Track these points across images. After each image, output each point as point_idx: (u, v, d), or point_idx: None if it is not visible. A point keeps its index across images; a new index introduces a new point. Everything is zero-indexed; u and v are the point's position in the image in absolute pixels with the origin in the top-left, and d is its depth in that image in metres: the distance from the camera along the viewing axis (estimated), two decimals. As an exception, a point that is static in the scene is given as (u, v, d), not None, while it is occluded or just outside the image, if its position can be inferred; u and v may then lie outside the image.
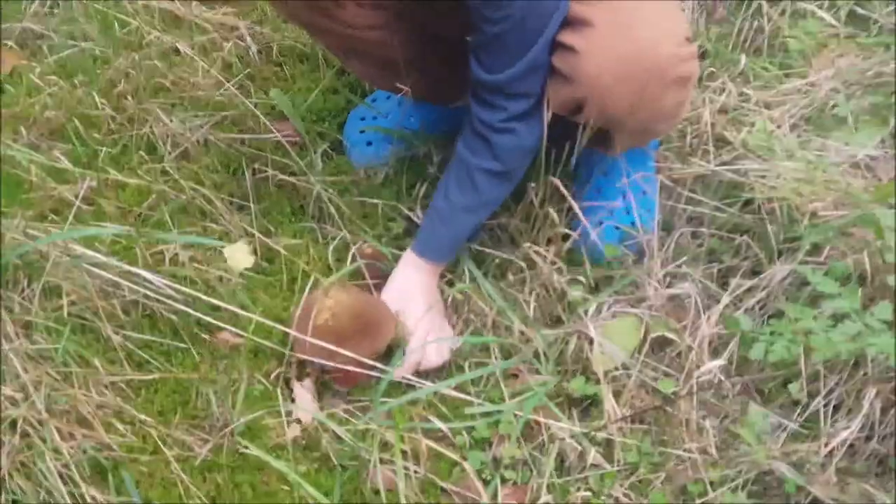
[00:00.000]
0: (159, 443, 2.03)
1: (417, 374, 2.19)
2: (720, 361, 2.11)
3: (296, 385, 2.19)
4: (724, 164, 2.43)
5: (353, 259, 2.35)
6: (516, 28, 1.99)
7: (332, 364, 2.12)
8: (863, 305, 1.92)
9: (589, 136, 2.13)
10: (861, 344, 1.75)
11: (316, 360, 2.14)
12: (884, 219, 1.94)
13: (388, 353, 2.17)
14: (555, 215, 2.27)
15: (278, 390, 2.17)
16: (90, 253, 2.18)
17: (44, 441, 1.89)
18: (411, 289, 2.26)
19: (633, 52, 1.96)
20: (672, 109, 2.08)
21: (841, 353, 1.79)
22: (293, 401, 2.17)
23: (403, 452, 2.01)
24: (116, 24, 2.84)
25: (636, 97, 1.99)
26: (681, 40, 2.01)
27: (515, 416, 2.09)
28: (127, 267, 2.18)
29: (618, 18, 1.97)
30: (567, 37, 2.00)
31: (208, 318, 2.20)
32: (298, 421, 2.13)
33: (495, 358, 2.25)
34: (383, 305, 2.23)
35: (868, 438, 1.99)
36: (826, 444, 1.98)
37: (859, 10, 2.85)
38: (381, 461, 2.01)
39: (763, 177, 2.28)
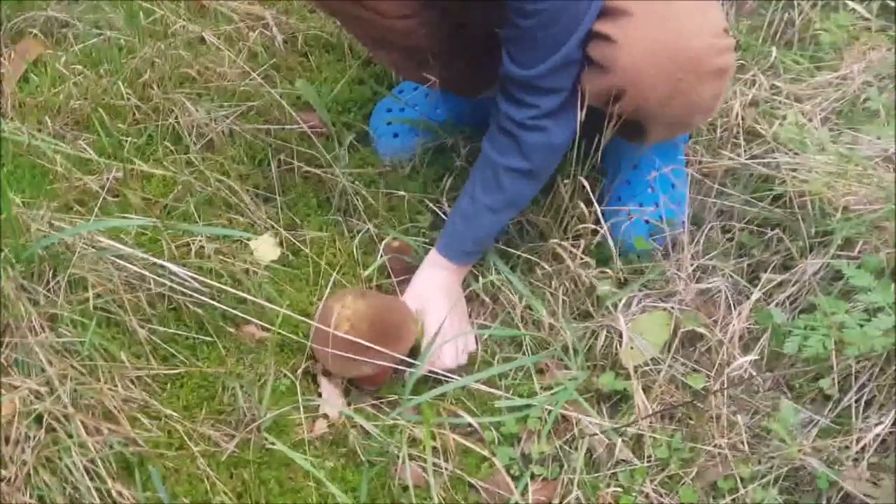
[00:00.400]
0: (185, 438, 2.02)
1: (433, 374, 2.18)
2: (752, 357, 2.10)
3: (322, 380, 2.18)
4: (754, 157, 2.41)
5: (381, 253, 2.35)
6: (550, 23, 1.96)
7: (357, 374, 2.12)
8: (896, 300, 1.90)
9: (618, 128, 2.11)
10: (896, 338, 1.73)
11: (340, 374, 2.15)
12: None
13: (413, 353, 2.15)
14: (585, 209, 2.25)
15: (303, 385, 2.16)
16: (116, 245, 2.16)
17: (70, 436, 1.87)
18: (432, 289, 2.25)
19: (670, 42, 1.94)
20: (708, 102, 2.06)
21: (875, 347, 1.77)
22: (320, 395, 2.15)
23: (433, 448, 2.00)
24: (141, 13, 2.81)
25: (672, 88, 1.97)
26: (718, 31, 1.99)
27: (546, 410, 2.07)
28: (153, 259, 2.16)
29: (655, 8, 1.95)
30: (604, 26, 1.98)
31: (234, 311, 2.18)
32: (325, 416, 2.12)
33: (524, 352, 2.23)
34: (404, 307, 2.21)
35: (901, 431, 1.98)
36: (858, 440, 1.96)
37: (891, 3, 2.82)
38: (410, 457, 2.00)
39: (794, 170, 2.26)
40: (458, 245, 2.24)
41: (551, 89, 2.06)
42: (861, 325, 1.81)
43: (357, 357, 2.08)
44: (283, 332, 2.17)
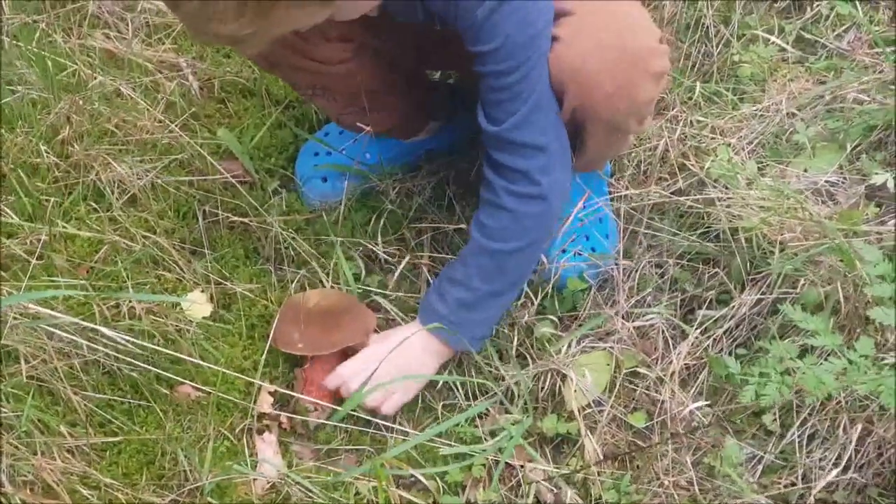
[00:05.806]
0: (127, 506, 1.98)
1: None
2: (701, 403, 2.10)
3: (257, 439, 2.14)
4: (679, 192, 2.42)
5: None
6: (508, 62, 1.96)
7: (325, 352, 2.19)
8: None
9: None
10: (848, 382, 1.74)
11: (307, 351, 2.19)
12: (866, 252, 1.94)
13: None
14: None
15: (242, 444, 2.13)
16: (47, 311, 2.10)
17: (10, 515, 1.83)
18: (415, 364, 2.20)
19: (616, 39, 1.97)
20: (645, 105, 2.09)
21: (832, 393, 1.78)
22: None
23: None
24: (51, 65, 2.72)
25: (618, 85, 1.99)
26: (657, 36, 2.04)
27: (493, 460, 2.06)
28: (85, 324, 2.11)
29: (597, 8, 1.98)
30: None
31: (168, 374, 2.14)
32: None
33: (466, 396, 2.22)
34: (361, 311, 2.29)
35: (846, 468, 1.99)
36: (805, 478, 1.99)
37: (806, 35, 2.86)
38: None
39: (728, 206, 2.27)
40: (469, 332, 2.18)
41: (526, 144, 2.03)
42: (812, 369, 1.82)
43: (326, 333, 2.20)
44: (219, 392, 2.14)
